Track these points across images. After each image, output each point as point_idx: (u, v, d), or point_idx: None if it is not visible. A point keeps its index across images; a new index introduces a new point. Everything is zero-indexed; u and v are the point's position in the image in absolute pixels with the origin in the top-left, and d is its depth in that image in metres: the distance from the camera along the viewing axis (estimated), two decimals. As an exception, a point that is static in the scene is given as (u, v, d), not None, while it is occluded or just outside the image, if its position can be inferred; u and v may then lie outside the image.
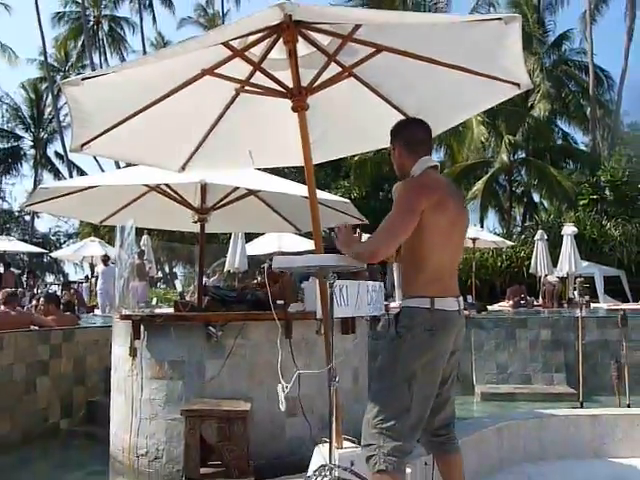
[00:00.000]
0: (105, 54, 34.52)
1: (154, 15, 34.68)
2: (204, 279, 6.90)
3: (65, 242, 36.00)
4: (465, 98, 3.58)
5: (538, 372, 8.28)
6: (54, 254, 25.37)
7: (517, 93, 3.38)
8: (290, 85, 3.24)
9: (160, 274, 27.19)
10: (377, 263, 3.10)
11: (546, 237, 14.62)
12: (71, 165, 32.23)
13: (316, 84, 3.25)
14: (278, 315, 3.38)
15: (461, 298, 2.53)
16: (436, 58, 3.22)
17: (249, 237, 13.74)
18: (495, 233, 19.73)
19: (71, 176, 30.23)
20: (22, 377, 5.82)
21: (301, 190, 5.13)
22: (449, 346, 2.45)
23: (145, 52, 30.34)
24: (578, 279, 14.49)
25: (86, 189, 5.46)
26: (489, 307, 12.33)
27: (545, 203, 25.17)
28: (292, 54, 3.14)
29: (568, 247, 14.01)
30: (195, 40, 2.79)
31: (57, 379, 6.20)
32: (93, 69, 26.45)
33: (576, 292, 14.23)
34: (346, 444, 2.96)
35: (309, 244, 10.94)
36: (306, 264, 2.79)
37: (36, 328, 6.47)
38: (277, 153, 4.27)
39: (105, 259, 13.45)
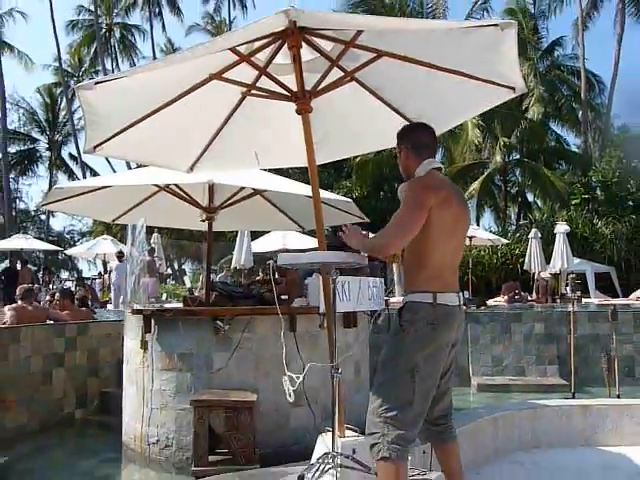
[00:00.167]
0: (117, 60, 34.57)
1: (163, 23, 34.67)
2: (212, 276, 6.90)
3: (79, 240, 36.12)
4: (463, 101, 3.57)
5: (532, 364, 8.27)
6: (68, 251, 25.41)
7: (512, 97, 3.37)
8: (294, 89, 3.23)
9: (169, 271, 27.25)
10: (377, 260, 3.10)
11: (540, 235, 14.59)
12: (84, 166, 32.28)
13: (319, 88, 3.24)
14: (282, 310, 3.38)
15: (461, 294, 2.53)
16: (435, 63, 3.21)
17: (254, 235, 13.72)
18: (491, 231, 19.68)
19: (84, 177, 30.27)
20: (39, 369, 5.83)
21: (305, 190, 5.12)
22: (450, 339, 2.45)
23: (155, 58, 30.30)
24: (570, 275, 14.55)
25: (99, 189, 5.47)
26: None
27: (539, 202, 25.10)
28: (296, 59, 3.13)
29: (561, 245, 14.00)
30: (203, 46, 2.78)
31: (72, 371, 6.22)
32: (105, 74, 26.44)
33: (568, 288, 14.29)
34: (348, 433, 2.95)
35: (312, 242, 10.92)
36: (310, 261, 2.79)
37: (52, 322, 6.48)
38: (281, 154, 4.26)
39: (120, 255, 13.25)
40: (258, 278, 8.32)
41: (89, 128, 3.34)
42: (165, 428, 4.46)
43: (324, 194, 5.00)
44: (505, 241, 17.27)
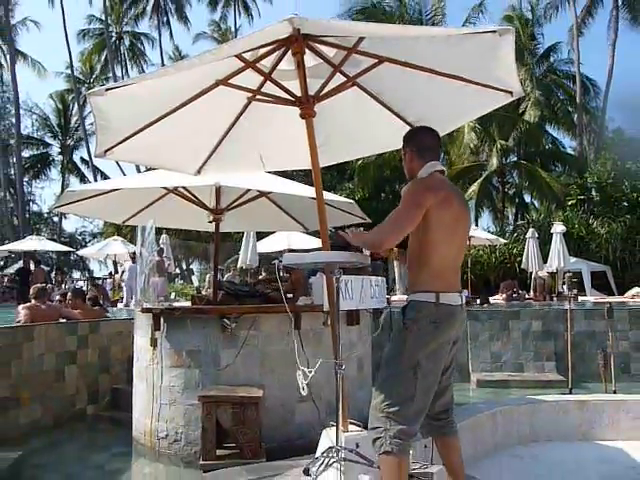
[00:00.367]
0: (126, 67, 34.71)
1: (171, 31, 34.86)
2: (219, 275, 6.91)
3: (90, 241, 36.26)
4: (462, 105, 3.56)
5: (530, 361, 8.23)
6: (80, 252, 25.51)
7: (510, 101, 3.36)
8: (298, 94, 3.23)
9: (178, 270, 27.32)
10: (379, 259, 3.10)
11: (537, 235, 14.56)
12: (96, 170, 32.36)
13: (322, 93, 3.25)
14: (289, 308, 3.37)
15: (463, 293, 2.53)
16: (434, 68, 3.21)
17: (260, 235, 13.72)
18: (489, 231, 19.65)
19: (96, 180, 30.36)
20: (52, 366, 5.84)
21: (309, 191, 5.12)
22: (451, 337, 2.45)
23: (163, 65, 30.36)
24: (567, 274, 14.52)
25: (110, 192, 5.48)
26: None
27: (536, 203, 25.05)
28: (300, 65, 3.14)
29: (557, 244, 13.96)
30: (210, 53, 2.78)
31: (84, 368, 6.22)
32: (115, 81, 26.50)
33: (565, 286, 14.26)
34: (352, 428, 2.95)
35: (316, 242, 10.92)
36: (314, 260, 2.78)
37: (64, 321, 6.49)
38: (286, 157, 4.27)
39: (133, 256, 13.28)
40: (261, 277, 8.31)
41: (100, 133, 3.35)
42: (174, 423, 4.46)
43: (327, 196, 4.99)
44: (503, 241, 17.23)
